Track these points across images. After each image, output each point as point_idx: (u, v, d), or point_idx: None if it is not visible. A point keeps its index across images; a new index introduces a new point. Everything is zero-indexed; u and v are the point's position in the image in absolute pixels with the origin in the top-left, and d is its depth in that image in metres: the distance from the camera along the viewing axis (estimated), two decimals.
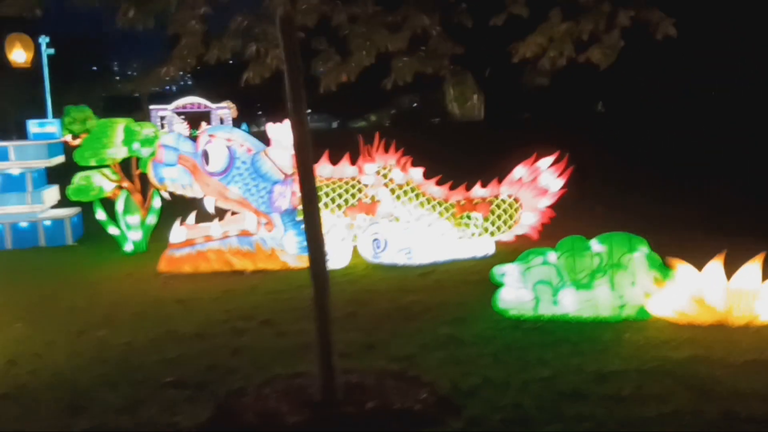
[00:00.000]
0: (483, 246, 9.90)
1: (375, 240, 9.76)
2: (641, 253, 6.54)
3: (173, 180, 9.85)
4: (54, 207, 13.31)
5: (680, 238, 9.24)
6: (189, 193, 9.95)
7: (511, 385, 5.22)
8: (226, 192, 9.85)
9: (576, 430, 4.44)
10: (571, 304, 6.61)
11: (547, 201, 10.44)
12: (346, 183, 10.44)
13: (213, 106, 69.11)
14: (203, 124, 51.44)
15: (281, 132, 9.87)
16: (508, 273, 6.89)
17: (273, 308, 7.88)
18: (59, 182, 13.90)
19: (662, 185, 15.09)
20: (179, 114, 59.78)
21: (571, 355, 5.79)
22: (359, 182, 10.40)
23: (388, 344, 6.39)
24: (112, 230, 11.59)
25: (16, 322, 7.72)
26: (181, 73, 6.35)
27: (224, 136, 9.89)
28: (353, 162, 10.61)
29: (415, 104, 57.92)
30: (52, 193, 13.24)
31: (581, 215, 11.01)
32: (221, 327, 7.28)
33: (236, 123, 53.36)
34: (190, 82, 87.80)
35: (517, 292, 6.83)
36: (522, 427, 4.51)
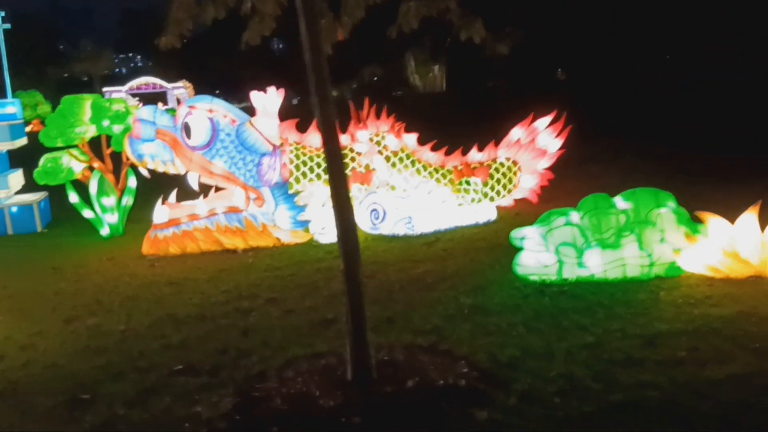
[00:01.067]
0: (484, 212, 9.55)
1: (373, 210, 9.32)
2: (669, 208, 6.24)
3: (153, 156, 9.23)
4: (18, 192, 12.51)
5: (695, 191, 9.00)
6: (171, 170, 9.34)
7: (554, 354, 4.88)
8: (210, 167, 9.27)
9: (642, 398, 4.12)
10: (597, 265, 6.30)
11: (546, 162, 10.11)
12: None
13: (169, 86, 67.31)
14: (160, 105, 50.08)
15: (267, 100, 9.32)
16: (529, 236, 6.53)
17: (275, 286, 7.41)
18: (21, 165, 13.10)
19: (649, 144, 14.94)
20: (134, 95, 58.24)
21: (609, 319, 5.48)
22: (351, 151, 9.90)
23: (409, 317, 6.00)
24: (87, 213, 10.90)
25: None
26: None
27: (205, 107, 9.27)
28: (343, 130, 10.10)
29: (375, 78, 57.22)
30: (17, 177, 12.42)
31: (578, 175, 10.77)
32: (223, 308, 6.79)
33: None
34: (140, 64, 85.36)
35: (538, 255, 6.49)
36: (581, 400, 4.17)
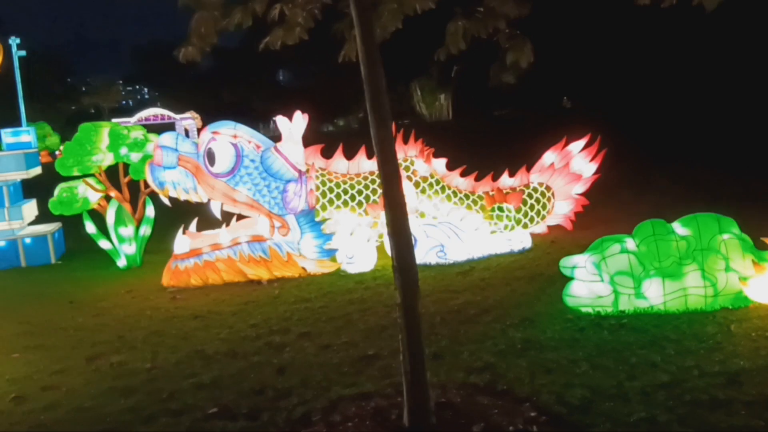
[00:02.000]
0: (519, 239, 9.15)
1: None
2: (732, 234, 5.85)
3: (175, 184, 8.88)
4: (31, 223, 12.19)
5: (746, 216, 8.59)
6: (194, 198, 8.99)
7: (628, 395, 4.45)
8: (233, 194, 8.92)
9: None
10: (657, 296, 5.88)
11: (581, 188, 9.75)
12: (365, 178, 9.60)
13: (177, 117, 67.68)
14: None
15: (292, 126, 9.00)
16: (580, 265, 6.13)
17: (307, 319, 7.01)
18: (34, 195, 12.83)
19: (678, 166, 14.55)
20: (142, 126, 58.79)
21: (680, 354, 5.06)
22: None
23: (456, 352, 5.59)
24: (104, 244, 10.57)
25: (12, 352, 6.72)
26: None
27: (229, 132, 8.95)
28: (370, 156, 9.79)
29: None
30: (30, 207, 12.13)
31: (609, 202, 10.39)
32: (254, 343, 6.39)
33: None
34: (147, 96, 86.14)
35: (591, 285, 6.08)
36: None
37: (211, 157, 8.85)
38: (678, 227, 5.98)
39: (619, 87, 32.85)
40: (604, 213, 10.30)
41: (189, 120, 67.48)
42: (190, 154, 8.91)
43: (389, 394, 4.81)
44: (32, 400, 5.42)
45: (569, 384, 4.71)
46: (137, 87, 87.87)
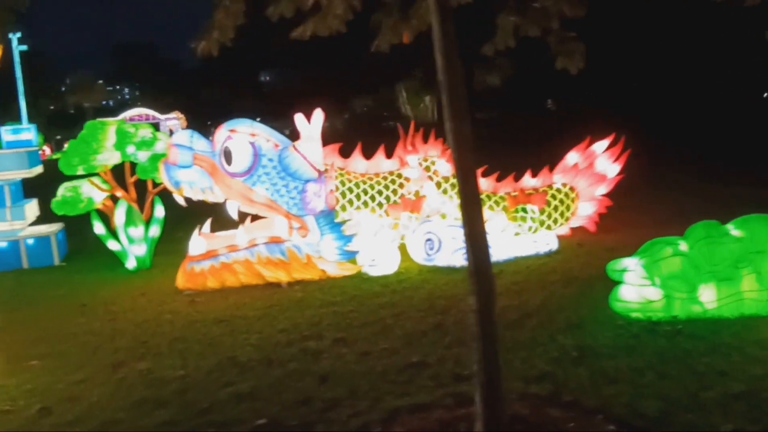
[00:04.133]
0: (545, 241, 8.93)
1: (428, 240, 8.68)
2: None
3: (191, 183, 8.54)
4: (33, 223, 11.78)
5: None
6: (210, 198, 8.66)
7: (706, 406, 4.23)
8: (251, 194, 8.61)
9: None
10: (711, 300, 5.68)
11: (605, 189, 9.56)
12: (384, 179, 9.33)
13: (162, 117, 66.99)
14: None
15: (311, 124, 8.71)
16: (630, 268, 5.91)
17: (338, 324, 6.73)
18: (31, 195, 12.42)
19: (701, 166, 14.38)
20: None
21: (748, 363, 4.85)
22: (399, 176, 9.30)
23: (508, 360, 5.29)
24: (112, 245, 10.20)
25: (29, 359, 6.37)
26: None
27: (246, 130, 8.64)
28: (389, 155, 9.53)
29: (365, 108, 57.19)
30: (32, 207, 11.72)
31: (632, 204, 10.20)
32: (288, 350, 6.10)
33: None
34: (128, 96, 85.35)
35: (641, 290, 5.86)
36: None
37: (228, 156, 8.54)
38: (732, 229, 5.78)
39: (643, 83, 32.51)
40: (627, 215, 10.12)
41: (174, 120, 66.80)
42: (206, 152, 8.59)
43: (448, 405, 4.56)
44: (58, 412, 5.09)
45: (639, 394, 4.48)
46: (117, 87, 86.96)
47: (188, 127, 55.82)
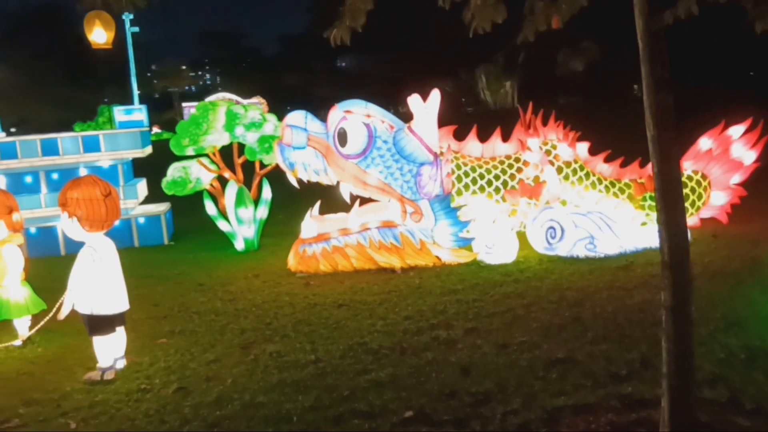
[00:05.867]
0: None
1: (550, 228, 8.27)
2: None
3: (306, 165, 8.42)
4: (141, 203, 12.05)
5: None
6: (324, 180, 8.53)
7: None
8: (365, 177, 8.42)
9: None
10: None
11: (739, 177, 8.88)
12: (501, 163, 8.96)
13: (244, 101, 68.37)
14: None
15: (427, 104, 8.41)
16: None
17: (465, 313, 6.45)
18: (141, 175, 12.73)
19: None
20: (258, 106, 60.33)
21: None
22: (517, 161, 8.91)
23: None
24: (223, 226, 10.27)
25: (158, 337, 6.40)
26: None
27: (362, 111, 8.44)
28: (505, 138, 9.15)
29: (444, 91, 56.57)
30: (143, 186, 11.98)
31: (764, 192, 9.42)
32: (418, 338, 5.87)
33: None
34: (209, 82, 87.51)
35: None
36: None
37: (342, 137, 8.37)
38: None
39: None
40: (761, 205, 9.38)
41: (256, 104, 68.15)
42: (320, 134, 8.44)
43: (615, 408, 4.20)
44: (198, 392, 5.03)
45: None
46: (199, 73, 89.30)
47: (269, 111, 56.71)
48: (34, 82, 41.07)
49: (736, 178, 8.87)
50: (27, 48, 44.58)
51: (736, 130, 8.83)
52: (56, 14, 49.01)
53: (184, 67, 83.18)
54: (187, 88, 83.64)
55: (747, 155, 8.82)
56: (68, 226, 5.38)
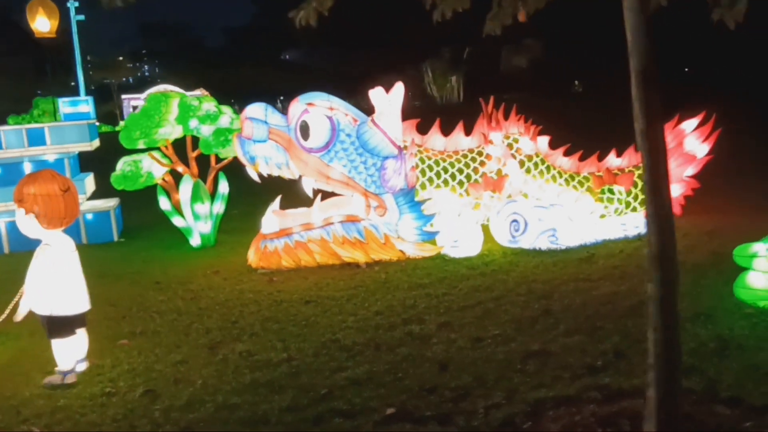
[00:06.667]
0: (633, 224, 8.54)
1: (513, 221, 8.32)
2: None
3: (267, 159, 8.23)
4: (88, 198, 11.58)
5: None
6: (286, 174, 8.35)
7: None
8: (327, 171, 8.29)
9: None
10: None
11: (692, 170, 9.13)
12: (464, 156, 8.96)
13: (187, 93, 66.94)
14: None
15: (390, 97, 8.33)
16: (761, 254, 5.53)
17: (436, 307, 6.43)
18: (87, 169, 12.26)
19: None
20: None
21: None
22: (479, 155, 8.93)
23: (641, 350, 4.93)
24: (177, 221, 9.97)
25: (118, 338, 6.15)
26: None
27: (324, 104, 8.30)
28: (467, 132, 9.15)
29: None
30: (90, 181, 11.52)
31: (722, 186, 9.74)
32: (391, 333, 5.81)
33: None
34: (147, 73, 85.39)
35: None
36: None
37: (304, 130, 8.22)
38: None
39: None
40: (715, 198, 9.67)
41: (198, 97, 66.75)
42: (281, 127, 8.27)
43: (596, 399, 4.23)
44: (166, 395, 4.84)
45: None
46: (137, 64, 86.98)
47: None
48: None
49: (690, 170, 9.11)
50: None
51: (689, 124, 9.08)
52: None
53: (121, 58, 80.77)
54: (125, 79, 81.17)
55: (700, 148, 9.07)
56: (25, 223, 5.09)
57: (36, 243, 5.40)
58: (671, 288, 3.50)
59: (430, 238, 8.38)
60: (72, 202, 5.19)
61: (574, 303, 6.22)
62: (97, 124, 12.15)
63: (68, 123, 10.89)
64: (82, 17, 12.59)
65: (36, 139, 10.45)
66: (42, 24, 11.50)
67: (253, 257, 8.46)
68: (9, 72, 43.44)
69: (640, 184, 8.92)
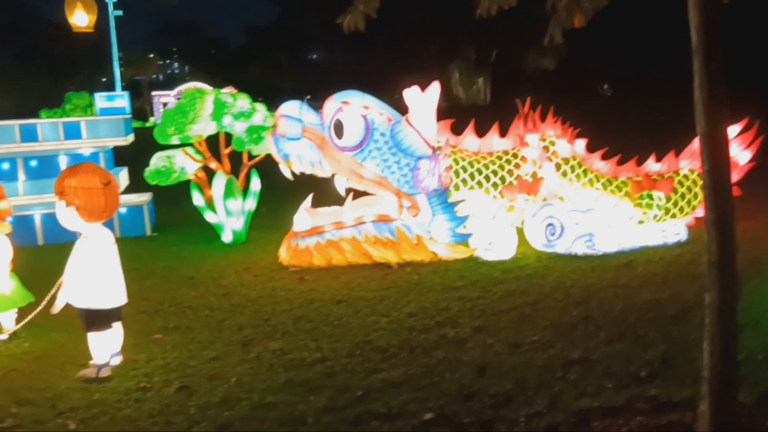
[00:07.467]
0: (674, 230, 8.33)
1: (549, 225, 8.17)
2: None
3: (300, 156, 8.18)
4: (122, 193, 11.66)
5: None
6: (319, 172, 8.29)
7: None
8: (360, 170, 8.22)
9: None
10: None
11: (734, 177, 8.87)
12: (499, 158, 8.83)
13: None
14: None
15: (426, 96, 8.23)
16: None
17: (471, 311, 6.32)
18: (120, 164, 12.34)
19: None
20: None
21: None
22: (514, 156, 8.80)
23: (689, 359, 4.75)
24: (210, 217, 9.98)
25: (152, 333, 6.14)
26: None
27: (359, 103, 8.23)
28: (503, 134, 9.02)
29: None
30: (124, 176, 11.60)
31: (763, 192, 9.47)
32: (426, 336, 5.72)
33: None
34: (177, 71, 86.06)
35: None
36: None
37: (338, 129, 8.15)
38: None
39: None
40: (751, 205, 9.40)
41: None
42: (315, 125, 8.21)
43: (645, 410, 4.10)
44: (202, 392, 4.80)
45: None
46: (167, 61, 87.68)
47: None
48: None
49: (732, 178, 8.87)
50: None
51: (732, 130, 8.84)
52: None
53: (152, 56, 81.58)
54: (154, 76, 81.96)
55: (742, 155, 8.84)
56: (65, 216, 5.10)
57: (71, 235, 5.40)
58: (731, 297, 3.37)
59: (463, 239, 8.27)
60: (112, 195, 5.19)
61: (614, 310, 6.07)
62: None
63: (104, 117, 10.97)
64: (120, 12, 12.72)
65: (72, 132, 10.54)
66: (80, 18, 11.60)
67: (284, 254, 8.42)
68: (27, 70, 43.99)
69: (680, 190, 8.72)
